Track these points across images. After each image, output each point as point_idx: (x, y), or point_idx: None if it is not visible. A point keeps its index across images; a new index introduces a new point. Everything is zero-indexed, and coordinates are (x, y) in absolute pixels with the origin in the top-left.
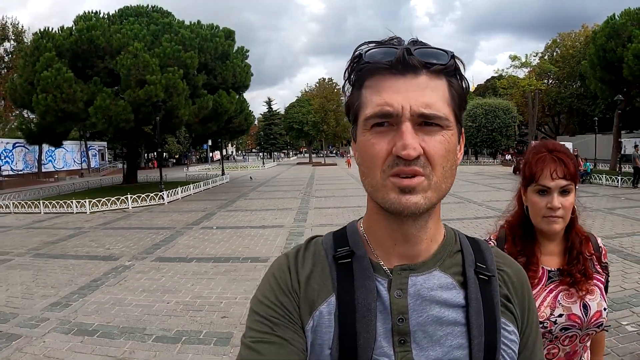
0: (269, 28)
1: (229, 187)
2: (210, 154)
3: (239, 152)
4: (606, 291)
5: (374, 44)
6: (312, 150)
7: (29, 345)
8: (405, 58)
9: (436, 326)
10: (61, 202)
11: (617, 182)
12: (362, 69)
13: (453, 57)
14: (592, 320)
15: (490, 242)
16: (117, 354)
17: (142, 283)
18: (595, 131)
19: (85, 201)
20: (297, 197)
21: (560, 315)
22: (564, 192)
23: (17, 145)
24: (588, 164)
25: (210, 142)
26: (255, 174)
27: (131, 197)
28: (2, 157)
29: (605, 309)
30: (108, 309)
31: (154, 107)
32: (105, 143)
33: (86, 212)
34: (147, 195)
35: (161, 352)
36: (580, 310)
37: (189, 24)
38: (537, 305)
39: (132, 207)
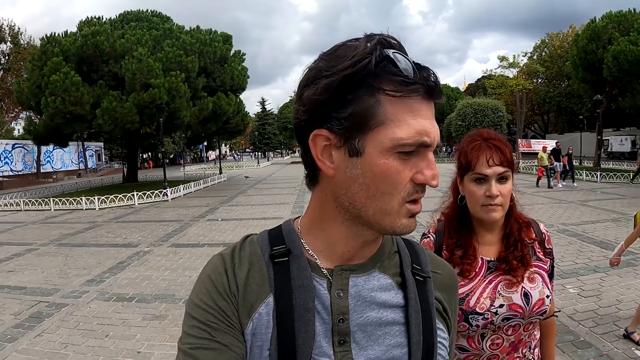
0: (261, 27)
1: (228, 185)
2: (206, 154)
3: (232, 151)
4: (551, 277)
5: (389, 45)
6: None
7: (78, 310)
8: (438, 85)
9: (375, 326)
10: (70, 199)
11: (597, 177)
12: (393, 80)
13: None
14: (535, 309)
15: (429, 235)
16: (155, 312)
17: (163, 263)
18: (580, 129)
19: (94, 198)
20: (293, 193)
21: (501, 306)
22: (501, 179)
23: (16, 146)
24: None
25: (205, 143)
26: (251, 172)
27: (137, 194)
28: (2, 158)
29: (548, 297)
30: (139, 282)
31: (158, 109)
32: (101, 144)
33: (95, 209)
34: (152, 193)
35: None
36: (522, 299)
37: (188, 29)
38: (476, 296)
39: (139, 204)
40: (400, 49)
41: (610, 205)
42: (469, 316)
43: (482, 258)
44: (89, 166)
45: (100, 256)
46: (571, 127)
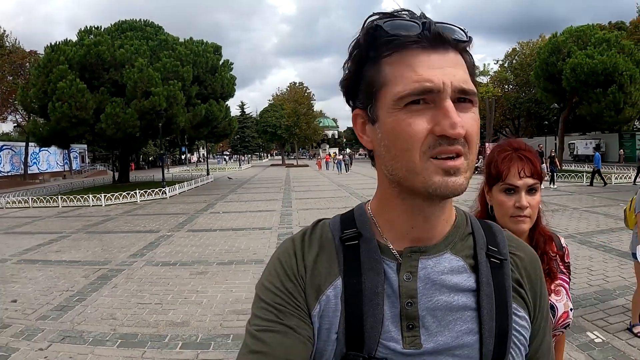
0: (239, 28)
1: (216, 185)
2: (188, 157)
3: (210, 154)
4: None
5: (388, 16)
6: (283, 152)
7: (135, 272)
8: (439, 33)
9: (446, 311)
10: (78, 196)
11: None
12: (386, 43)
13: (467, 33)
14: (560, 322)
15: None
16: (197, 270)
17: (188, 242)
18: (546, 134)
19: (101, 195)
20: (280, 191)
21: None
22: (530, 190)
23: (4, 147)
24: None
25: (187, 145)
26: (234, 174)
27: (139, 192)
28: None
29: (571, 309)
30: (174, 254)
31: (157, 114)
32: (85, 146)
33: (102, 205)
34: (152, 191)
35: (223, 270)
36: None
37: (182, 40)
38: None
39: (140, 200)
40: (402, 13)
41: (563, 200)
42: None
43: None
44: (73, 168)
45: (131, 239)
46: (540, 132)
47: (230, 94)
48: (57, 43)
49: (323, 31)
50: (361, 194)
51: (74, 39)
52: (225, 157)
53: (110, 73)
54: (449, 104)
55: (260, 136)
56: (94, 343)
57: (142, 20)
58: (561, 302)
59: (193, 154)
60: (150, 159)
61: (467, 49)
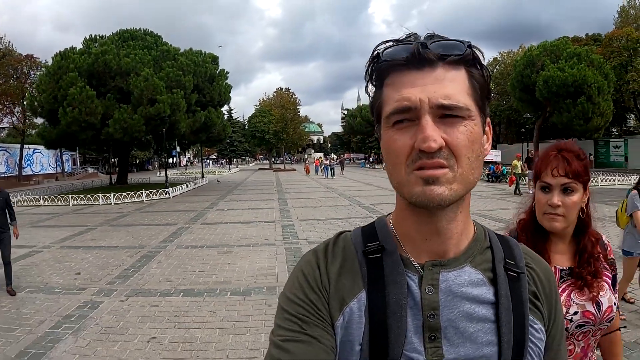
0: (225, 31)
1: (212, 187)
2: (178, 160)
3: (195, 158)
4: (614, 285)
5: (392, 43)
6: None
7: (171, 253)
8: (420, 52)
9: (467, 322)
10: (88, 195)
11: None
12: (380, 68)
13: (470, 47)
14: (605, 316)
15: None
16: (222, 251)
17: (206, 232)
18: (527, 140)
19: (110, 194)
20: (274, 192)
21: (575, 313)
22: (566, 190)
23: (0, 149)
24: (505, 168)
25: (178, 149)
26: (225, 178)
27: (145, 192)
28: None
29: (615, 304)
30: (199, 240)
31: (162, 120)
32: (76, 149)
33: (111, 204)
34: (157, 191)
35: (243, 250)
36: (594, 307)
37: (183, 51)
38: None
39: (146, 200)
40: (406, 39)
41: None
42: None
43: (555, 266)
44: (65, 170)
45: (155, 230)
46: (520, 138)
47: (226, 102)
48: (67, 51)
49: (309, 35)
50: (348, 194)
51: (57, 38)
52: (211, 160)
53: (116, 80)
54: (425, 119)
55: (247, 141)
56: (162, 295)
57: (141, 29)
58: (605, 297)
59: (182, 158)
60: (136, 162)
61: (476, 61)
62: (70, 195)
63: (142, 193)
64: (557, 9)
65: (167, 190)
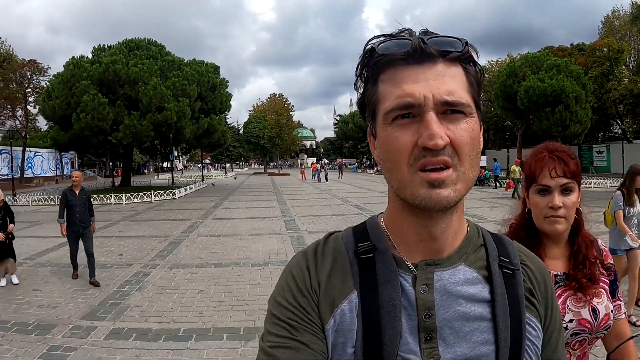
0: (217, 35)
1: (213, 189)
2: (174, 164)
3: (190, 163)
4: (613, 292)
5: (385, 37)
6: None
7: (194, 240)
8: (421, 47)
9: (463, 322)
10: (101, 195)
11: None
12: (376, 63)
13: (467, 44)
14: (602, 324)
15: None
16: (237, 239)
17: (219, 225)
18: (508, 146)
19: (122, 195)
20: (272, 194)
21: (571, 321)
22: (565, 190)
23: (2, 151)
24: (487, 172)
25: (175, 153)
26: (222, 181)
27: (154, 193)
28: None
29: (612, 311)
30: (214, 231)
31: (169, 127)
32: (75, 152)
33: (122, 203)
34: (165, 192)
35: (255, 238)
36: (590, 314)
37: (187, 61)
38: None
39: (155, 200)
40: (400, 34)
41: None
42: None
43: (550, 272)
44: (64, 173)
45: (172, 224)
46: (507, 144)
47: (227, 109)
48: (79, 60)
49: (302, 40)
50: (341, 196)
51: (49, 40)
52: (205, 165)
53: (125, 88)
54: (429, 116)
55: (242, 146)
56: (198, 267)
57: (145, 39)
58: (602, 305)
59: (180, 162)
60: (134, 165)
61: (471, 59)
62: None
63: (150, 194)
64: (548, 16)
65: (173, 191)
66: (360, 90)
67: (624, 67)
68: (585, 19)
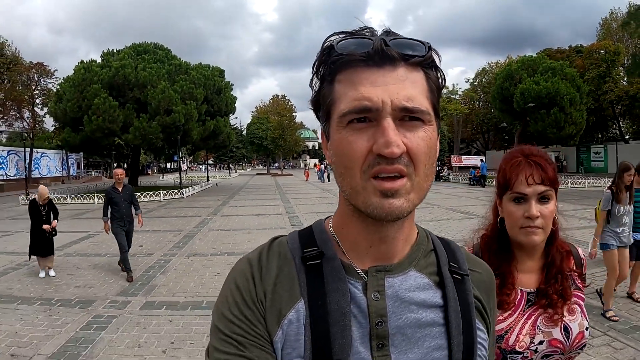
0: (219, 36)
1: (218, 189)
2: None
3: (193, 163)
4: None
5: (345, 35)
6: (266, 162)
7: (206, 234)
8: (382, 49)
9: (415, 328)
10: None
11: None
12: (334, 62)
13: (430, 48)
14: (575, 343)
15: None
16: (246, 232)
17: (227, 221)
18: (505, 147)
19: None
20: (276, 193)
21: (541, 342)
22: (543, 199)
23: (10, 152)
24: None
25: (180, 154)
26: (226, 182)
27: (162, 192)
28: None
29: (587, 329)
30: (224, 226)
31: (177, 129)
32: (81, 153)
33: None
34: (173, 192)
35: (262, 232)
36: (562, 334)
37: (193, 65)
38: (515, 333)
39: (164, 199)
40: (361, 32)
41: None
42: (508, 355)
43: (521, 290)
44: (70, 173)
45: (184, 220)
46: (503, 145)
47: (232, 112)
48: (90, 64)
49: (305, 41)
50: None
51: (51, 40)
52: (216, 166)
53: (134, 92)
54: (387, 122)
55: (244, 147)
56: (213, 255)
57: (152, 43)
58: (576, 322)
59: (184, 163)
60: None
61: (433, 64)
62: (95, 194)
63: (159, 193)
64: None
65: (182, 190)
66: (316, 89)
67: (620, 68)
68: (588, 18)
